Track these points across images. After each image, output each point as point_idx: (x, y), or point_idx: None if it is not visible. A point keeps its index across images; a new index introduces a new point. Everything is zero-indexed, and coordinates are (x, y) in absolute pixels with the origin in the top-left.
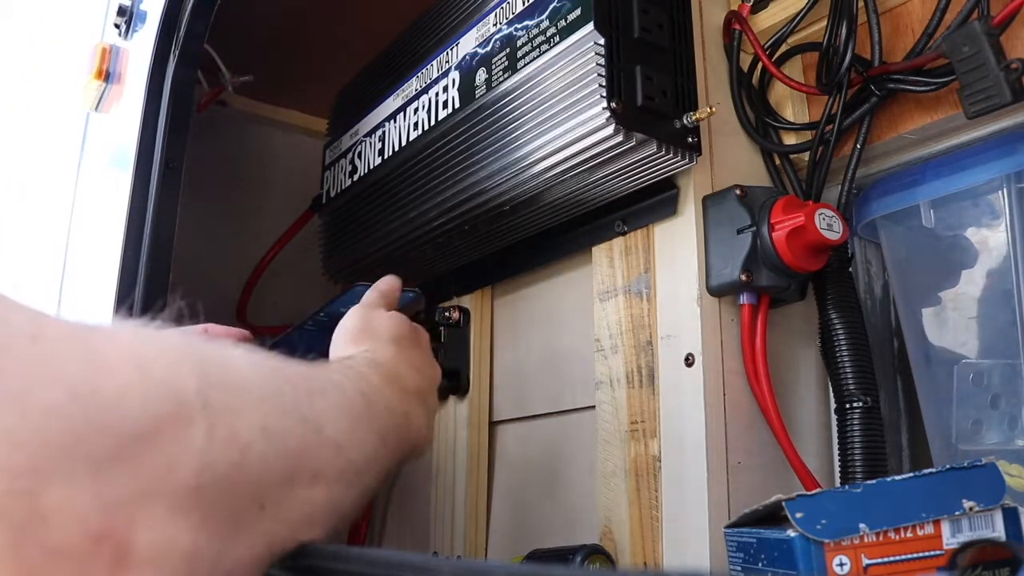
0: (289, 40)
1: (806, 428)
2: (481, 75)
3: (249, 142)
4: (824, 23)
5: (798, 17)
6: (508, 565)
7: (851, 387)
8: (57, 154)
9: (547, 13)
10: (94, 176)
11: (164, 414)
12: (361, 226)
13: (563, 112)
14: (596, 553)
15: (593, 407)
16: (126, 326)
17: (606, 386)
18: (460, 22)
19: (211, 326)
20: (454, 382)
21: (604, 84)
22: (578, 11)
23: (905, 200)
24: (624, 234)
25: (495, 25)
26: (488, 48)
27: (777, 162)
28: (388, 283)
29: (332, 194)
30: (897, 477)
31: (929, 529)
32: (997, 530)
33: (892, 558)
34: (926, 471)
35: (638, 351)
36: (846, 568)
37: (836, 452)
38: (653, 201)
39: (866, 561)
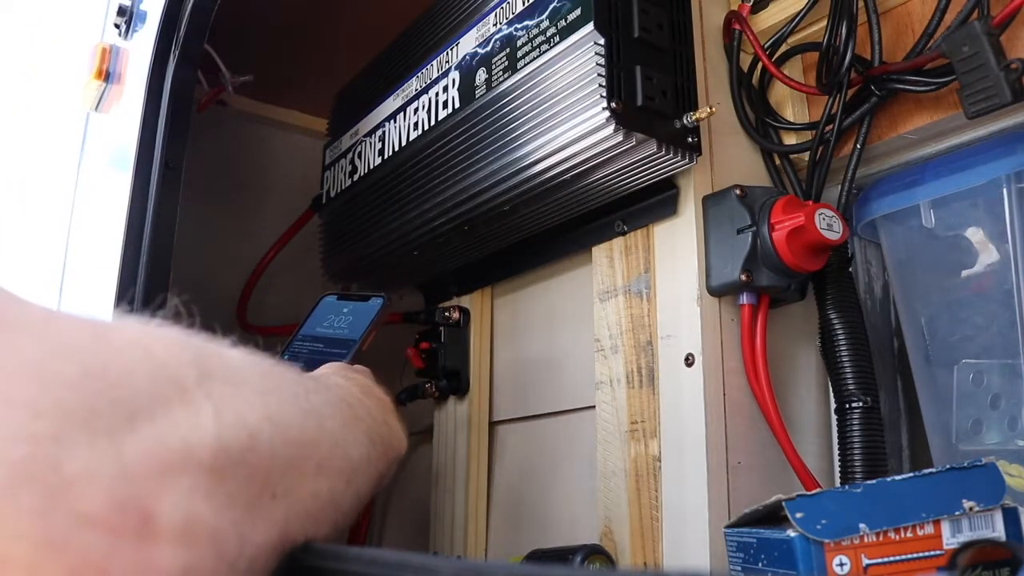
0: (289, 40)
1: (806, 428)
2: (481, 75)
3: (249, 142)
4: (824, 23)
5: (798, 17)
6: (508, 565)
7: (851, 387)
8: (57, 154)
9: (547, 13)
10: (94, 176)
11: (171, 395)
12: (361, 226)
13: (563, 112)
14: (596, 553)
15: (593, 407)
16: (128, 318)
17: (606, 386)
18: (460, 22)
19: None
20: (454, 382)
21: (604, 84)
22: (578, 11)
23: (905, 200)
24: (624, 234)
25: (495, 25)
26: (488, 48)
27: (777, 162)
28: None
29: (332, 194)
30: (897, 477)
31: (929, 529)
32: (997, 530)
33: (892, 558)
34: (926, 471)
35: (638, 351)
36: (846, 568)
37: (836, 452)
38: (653, 201)
39: (866, 561)
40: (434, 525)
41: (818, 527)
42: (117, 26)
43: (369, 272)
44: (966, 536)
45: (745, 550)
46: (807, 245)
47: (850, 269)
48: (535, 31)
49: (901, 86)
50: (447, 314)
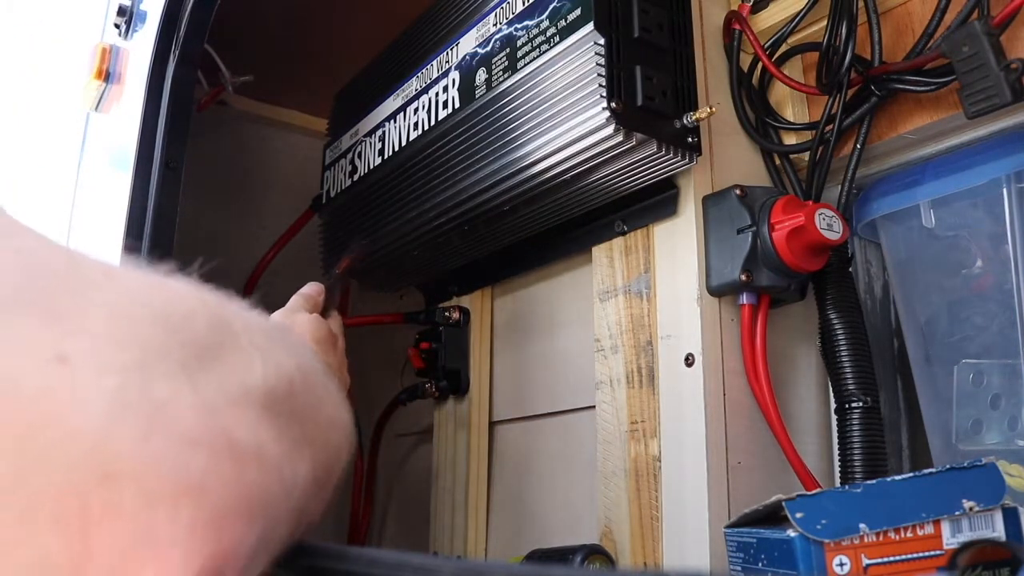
0: (289, 40)
1: (806, 428)
2: (481, 75)
3: (249, 142)
4: (824, 23)
5: (798, 17)
6: (508, 565)
7: (851, 387)
8: (57, 154)
9: (547, 13)
10: (94, 176)
11: (226, 341)
12: (361, 226)
13: (563, 112)
14: (596, 553)
15: (593, 407)
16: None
17: (606, 386)
18: (460, 22)
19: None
20: (454, 382)
21: (604, 84)
22: (578, 11)
23: (905, 200)
24: (624, 234)
25: (495, 25)
26: (488, 48)
27: (777, 162)
28: (311, 288)
29: (332, 194)
30: (897, 477)
31: (929, 529)
32: (997, 530)
33: (892, 558)
34: (926, 471)
35: (638, 351)
36: (846, 568)
37: (836, 452)
38: (653, 201)
39: (866, 561)
40: (434, 525)
41: (818, 527)
42: (117, 26)
43: (369, 272)
44: (966, 536)
45: (745, 550)
46: (807, 245)
47: (850, 269)
48: (535, 31)
49: (901, 86)
50: (447, 314)
